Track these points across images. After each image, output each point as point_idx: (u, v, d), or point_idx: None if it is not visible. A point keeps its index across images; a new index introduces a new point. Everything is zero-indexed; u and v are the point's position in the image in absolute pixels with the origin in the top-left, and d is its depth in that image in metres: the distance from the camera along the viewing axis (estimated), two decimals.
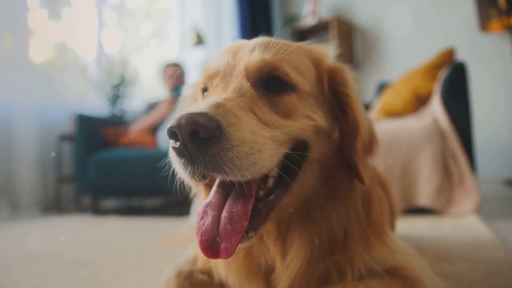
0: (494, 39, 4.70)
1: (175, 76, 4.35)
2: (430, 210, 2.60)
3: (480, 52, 4.71)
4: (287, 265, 0.87)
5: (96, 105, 5.03)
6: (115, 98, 4.87)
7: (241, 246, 0.78)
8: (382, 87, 4.30)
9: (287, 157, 0.82)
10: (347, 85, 0.90)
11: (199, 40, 5.13)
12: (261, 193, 0.84)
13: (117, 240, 2.48)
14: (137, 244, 2.31)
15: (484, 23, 4.51)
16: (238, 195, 0.78)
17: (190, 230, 2.64)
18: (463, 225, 2.18)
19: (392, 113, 3.21)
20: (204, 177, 0.72)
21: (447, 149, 2.63)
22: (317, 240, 0.87)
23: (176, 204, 4.62)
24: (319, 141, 0.87)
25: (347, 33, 5.85)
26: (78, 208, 4.64)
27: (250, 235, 0.78)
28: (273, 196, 0.84)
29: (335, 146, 0.90)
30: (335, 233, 0.89)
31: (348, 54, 5.65)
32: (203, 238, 0.74)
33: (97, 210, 4.17)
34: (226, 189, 0.81)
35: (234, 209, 0.76)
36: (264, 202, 0.83)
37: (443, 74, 2.91)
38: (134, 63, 5.82)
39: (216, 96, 0.81)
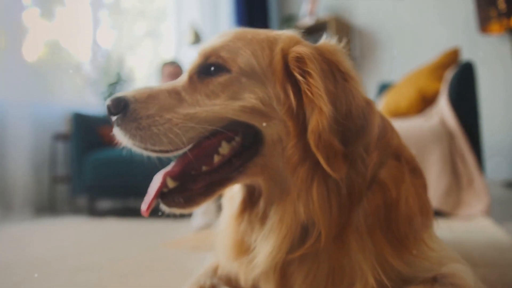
0: (494, 41, 4.69)
1: (174, 75, 4.27)
2: (438, 212, 2.55)
3: (479, 53, 4.70)
4: (262, 247, 0.89)
5: (92, 104, 4.93)
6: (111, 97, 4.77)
7: (171, 210, 0.90)
8: (383, 88, 4.26)
9: (243, 138, 0.91)
10: (302, 69, 0.85)
11: (197, 39, 5.05)
12: (205, 168, 0.91)
13: (117, 243, 2.40)
14: (139, 247, 2.23)
15: (483, 24, 4.50)
16: (170, 166, 0.92)
17: (193, 233, 2.57)
18: (475, 227, 2.14)
19: (397, 113, 3.17)
20: (135, 145, 0.88)
21: (455, 150, 2.59)
22: (286, 228, 0.87)
23: None
24: (270, 125, 0.87)
25: (345, 33, 5.81)
26: (73, 209, 4.53)
27: (177, 200, 0.88)
28: (217, 173, 0.91)
29: (292, 131, 0.86)
30: (306, 223, 0.85)
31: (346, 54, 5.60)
32: (144, 200, 0.89)
33: (93, 211, 4.07)
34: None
35: (158, 176, 0.91)
36: (203, 176, 0.90)
37: (449, 74, 2.87)
38: (129, 62, 5.72)
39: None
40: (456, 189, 2.54)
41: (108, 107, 0.88)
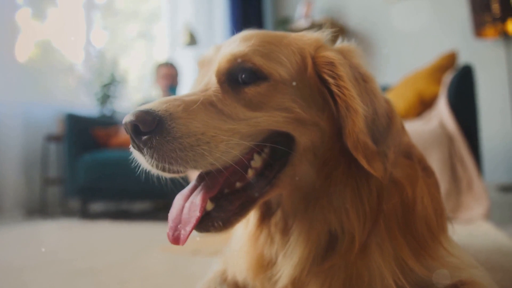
0: (489, 45, 4.72)
1: (169, 76, 4.23)
2: None
3: (474, 57, 4.72)
4: (287, 260, 0.85)
5: (85, 105, 4.86)
6: (105, 97, 4.70)
7: (207, 235, 0.84)
8: None
9: (272, 148, 0.84)
10: (333, 73, 0.84)
11: (192, 40, 5.02)
12: (238, 184, 0.84)
13: (113, 246, 2.35)
14: (136, 250, 2.18)
15: (478, 29, 4.52)
16: (203, 187, 0.82)
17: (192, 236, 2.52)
18: (476, 231, 2.12)
19: None
20: (165, 169, 0.76)
21: (454, 153, 2.59)
22: (315, 237, 0.83)
23: (166, 208, 4.48)
24: (306, 131, 0.83)
25: (340, 36, 5.81)
26: (65, 212, 4.45)
27: (216, 224, 0.79)
28: (252, 189, 0.83)
29: (326, 135, 0.85)
30: (335, 230, 0.84)
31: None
32: (170, 225, 0.79)
33: (86, 214, 4.00)
34: (199, 182, 0.85)
35: (194, 200, 0.80)
36: (238, 194, 0.83)
37: (448, 77, 2.87)
38: (123, 64, 5.66)
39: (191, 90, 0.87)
40: (455, 193, 2.54)
41: (133, 125, 0.72)
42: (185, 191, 0.85)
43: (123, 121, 0.74)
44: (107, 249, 2.24)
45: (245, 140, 0.78)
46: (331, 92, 0.85)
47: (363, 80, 0.87)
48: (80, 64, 5.15)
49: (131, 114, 0.72)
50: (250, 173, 0.84)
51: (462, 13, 4.84)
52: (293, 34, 0.94)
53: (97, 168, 3.71)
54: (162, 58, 5.55)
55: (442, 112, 2.74)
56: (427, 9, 5.22)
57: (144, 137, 0.72)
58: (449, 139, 2.61)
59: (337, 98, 0.83)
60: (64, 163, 4.04)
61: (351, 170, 0.84)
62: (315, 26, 5.87)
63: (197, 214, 0.77)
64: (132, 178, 3.55)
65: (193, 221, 0.77)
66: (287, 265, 0.85)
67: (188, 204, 0.81)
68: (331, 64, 0.85)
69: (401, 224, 0.86)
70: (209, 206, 0.80)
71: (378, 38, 5.68)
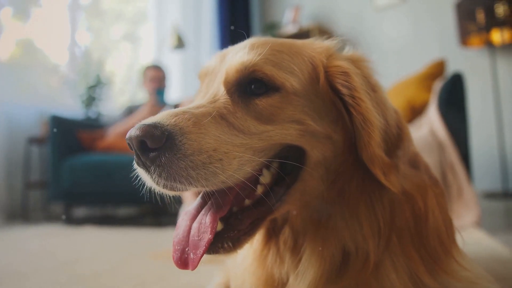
0: (474, 54, 4.80)
1: (157, 79, 4.16)
2: None
3: (459, 66, 4.79)
4: (299, 281, 0.81)
5: (69, 107, 4.74)
6: (90, 99, 4.60)
7: (216, 257, 0.76)
8: None
9: (281, 163, 0.80)
10: (348, 84, 0.81)
11: (180, 43, 4.96)
12: (247, 202, 0.79)
13: (99, 253, 2.28)
14: (124, 257, 2.11)
15: (463, 38, 4.60)
16: (212, 205, 0.76)
17: None
18: (468, 239, 2.12)
19: None
20: (173, 187, 0.70)
21: (445, 161, 2.60)
22: (328, 255, 0.80)
23: (151, 214, 4.41)
24: (318, 144, 0.80)
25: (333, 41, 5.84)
26: (47, 217, 4.32)
27: (226, 245, 0.75)
28: (262, 206, 0.79)
29: (339, 148, 0.82)
30: (349, 248, 0.80)
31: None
32: (175, 248, 0.74)
33: (70, 219, 3.89)
34: (205, 199, 0.80)
35: (203, 220, 0.75)
36: (248, 212, 0.78)
37: (438, 85, 2.90)
38: (108, 65, 5.57)
39: (196, 101, 0.81)
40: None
41: (139, 141, 0.66)
42: (191, 210, 0.80)
43: (127, 136, 0.68)
44: (94, 256, 2.17)
45: (257, 155, 0.74)
46: (343, 103, 0.83)
47: (373, 90, 0.85)
48: (64, 65, 5.04)
49: (136, 128, 0.66)
50: (260, 189, 0.80)
51: (448, 22, 4.92)
52: (301, 42, 0.91)
53: (82, 172, 3.62)
54: (148, 60, 5.47)
55: (432, 119, 2.75)
56: (414, 17, 5.29)
57: (152, 154, 0.67)
58: (440, 147, 2.63)
59: (352, 110, 0.80)
60: (47, 166, 3.93)
61: (365, 184, 0.82)
62: (302, 31, 5.89)
63: (208, 236, 0.72)
64: (118, 183, 3.50)
65: (203, 244, 0.71)
66: (299, 286, 0.81)
67: (196, 225, 0.76)
68: (345, 74, 0.82)
69: (414, 239, 0.84)
70: (219, 226, 0.76)
71: (365, 44, 5.72)
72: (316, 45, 0.90)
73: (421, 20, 5.24)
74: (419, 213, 0.86)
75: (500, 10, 4.31)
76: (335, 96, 0.83)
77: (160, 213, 4.40)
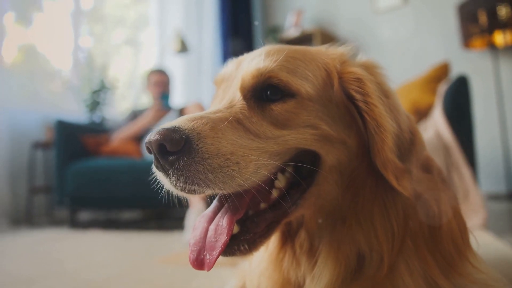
0: (476, 56, 4.81)
1: (161, 83, 4.17)
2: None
3: (462, 69, 4.80)
4: (315, 283, 0.82)
5: (73, 111, 4.75)
6: (94, 104, 4.61)
7: (233, 259, 0.80)
8: None
9: (297, 167, 0.82)
10: (361, 90, 0.83)
11: (183, 48, 4.97)
12: (263, 205, 0.81)
13: (107, 258, 2.28)
14: (133, 262, 2.12)
15: (466, 40, 4.61)
16: (229, 208, 0.78)
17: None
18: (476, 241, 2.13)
19: None
20: (191, 190, 0.72)
21: (451, 163, 2.61)
22: (343, 258, 0.81)
23: (155, 217, 4.41)
24: (332, 149, 0.81)
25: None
26: (52, 221, 4.33)
27: (242, 248, 0.76)
28: (278, 209, 0.81)
29: (353, 153, 0.84)
30: (364, 251, 0.81)
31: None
32: (192, 249, 0.76)
33: (75, 223, 3.89)
34: (222, 202, 0.82)
35: (220, 222, 0.77)
36: (264, 215, 0.80)
37: (443, 88, 2.90)
38: (111, 70, 5.58)
39: (212, 107, 0.84)
40: None
41: (159, 144, 0.68)
42: (208, 212, 0.82)
43: (146, 140, 0.70)
44: (103, 261, 2.17)
45: (273, 159, 0.76)
46: (357, 109, 0.84)
47: (386, 96, 0.87)
48: (67, 70, 5.05)
49: (156, 132, 0.69)
50: (275, 193, 0.82)
51: (450, 24, 4.93)
52: (315, 48, 0.93)
53: (87, 176, 3.63)
54: (151, 65, 5.49)
55: (437, 122, 2.76)
56: (415, 19, 5.30)
57: (171, 157, 0.69)
58: (445, 149, 2.63)
59: (365, 115, 0.82)
60: (53, 171, 3.94)
61: (378, 189, 0.83)
62: (305, 35, 5.91)
63: (224, 237, 0.74)
64: (123, 187, 3.51)
65: (220, 245, 0.73)
66: None
67: (213, 227, 0.78)
68: (359, 80, 0.84)
69: (428, 242, 0.85)
70: (236, 229, 0.77)
71: (367, 47, 5.74)
72: (330, 51, 0.92)
73: (423, 23, 5.25)
74: (433, 216, 0.87)
75: (503, 12, 4.31)
76: (349, 102, 0.85)
77: (163, 217, 4.41)
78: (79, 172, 3.64)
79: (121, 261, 2.16)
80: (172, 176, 0.70)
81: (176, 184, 0.71)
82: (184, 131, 0.69)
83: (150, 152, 0.71)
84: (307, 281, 0.85)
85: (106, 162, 3.68)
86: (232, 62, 0.95)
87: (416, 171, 0.87)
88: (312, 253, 0.86)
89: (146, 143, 0.70)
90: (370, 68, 0.91)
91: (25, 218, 4.11)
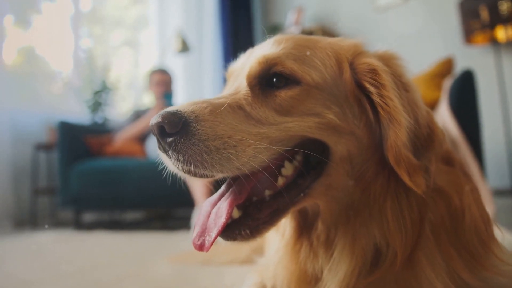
0: (478, 52, 4.80)
1: (163, 83, 4.15)
2: None
3: (465, 64, 4.79)
4: (332, 275, 0.82)
5: (74, 112, 4.74)
6: (96, 105, 4.60)
7: (234, 243, 0.78)
8: None
9: (306, 157, 0.82)
10: (376, 82, 0.82)
11: (185, 47, 4.96)
12: (267, 192, 0.81)
13: (114, 258, 2.26)
14: (140, 261, 2.10)
15: (468, 36, 4.60)
16: (232, 192, 0.80)
17: None
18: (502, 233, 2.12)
19: None
20: (191, 172, 0.74)
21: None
22: (359, 251, 0.80)
23: (159, 217, 4.40)
24: (341, 140, 0.80)
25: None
26: (55, 223, 4.31)
27: (243, 232, 0.77)
28: (283, 197, 0.81)
29: (363, 144, 0.82)
30: (380, 244, 0.80)
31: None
32: (196, 231, 0.78)
33: (79, 224, 3.88)
34: (228, 188, 0.84)
35: (220, 206, 0.79)
36: (268, 202, 0.80)
37: (448, 83, 2.89)
38: (112, 71, 5.57)
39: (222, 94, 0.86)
40: None
41: (159, 126, 0.71)
42: (214, 197, 0.84)
43: (150, 122, 0.73)
44: (110, 261, 2.16)
45: (274, 146, 0.76)
46: (369, 100, 0.83)
47: (404, 90, 0.85)
48: (67, 71, 5.04)
49: (157, 115, 0.72)
50: (281, 181, 0.82)
51: (452, 20, 4.92)
52: (328, 39, 0.92)
53: (90, 177, 3.61)
54: (152, 65, 5.47)
55: (444, 117, 2.75)
56: (416, 16, 5.29)
57: (169, 139, 0.72)
58: (452, 144, 2.62)
59: (379, 108, 0.80)
60: (55, 172, 3.93)
61: (390, 183, 0.82)
62: (305, 33, 5.89)
63: (222, 220, 0.75)
64: (127, 187, 3.49)
65: (218, 227, 0.75)
66: (332, 280, 0.81)
67: (215, 210, 0.79)
68: (374, 72, 0.82)
69: (450, 236, 0.84)
70: (237, 214, 0.78)
71: (368, 45, 5.72)
72: (343, 42, 0.91)
73: (424, 20, 5.24)
74: (455, 209, 0.85)
75: (504, 7, 4.30)
76: (360, 93, 0.84)
77: (167, 217, 4.40)
78: (83, 173, 3.62)
79: (128, 261, 2.15)
80: (172, 157, 0.73)
81: (177, 165, 0.74)
82: (182, 114, 0.72)
83: (153, 134, 0.74)
84: (325, 273, 0.84)
85: (110, 163, 3.67)
86: (244, 54, 0.95)
87: (435, 166, 0.86)
88: (328, 245, 0.85)
89: (150, 125, 0.74)
90: (387, 59, 0.89)
91: (29, 220, 4.10)
